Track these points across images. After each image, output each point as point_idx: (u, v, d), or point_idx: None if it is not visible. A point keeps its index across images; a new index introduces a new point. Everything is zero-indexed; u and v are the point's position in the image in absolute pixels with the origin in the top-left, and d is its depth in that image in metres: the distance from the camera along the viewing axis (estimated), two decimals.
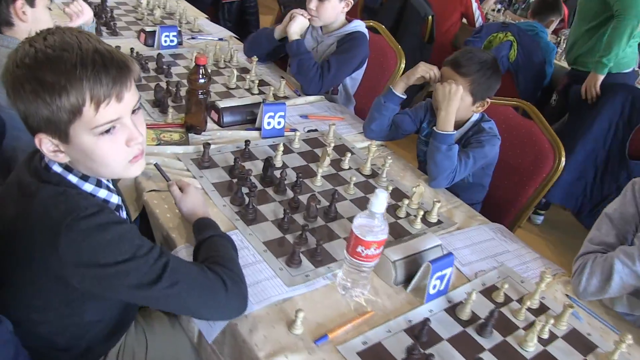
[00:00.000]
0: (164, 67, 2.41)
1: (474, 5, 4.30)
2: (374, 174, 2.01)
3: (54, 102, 0.98)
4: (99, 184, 1.16)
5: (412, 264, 1.47)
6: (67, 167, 1.11)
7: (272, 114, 2.09)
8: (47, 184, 1.08)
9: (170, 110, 2.05)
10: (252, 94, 2.40)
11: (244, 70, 2.61)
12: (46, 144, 1.05)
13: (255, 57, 2.55)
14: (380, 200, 1.27)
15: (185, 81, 2.17)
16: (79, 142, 1.04)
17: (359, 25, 2.61)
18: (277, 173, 1.80)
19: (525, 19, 4.80)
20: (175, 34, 2.65)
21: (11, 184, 1.15)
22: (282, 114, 2.11)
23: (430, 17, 4.05)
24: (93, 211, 1.04)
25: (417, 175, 2.08)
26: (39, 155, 1.13)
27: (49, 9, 1.94)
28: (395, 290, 1.47)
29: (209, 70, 2.03)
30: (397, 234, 1.70)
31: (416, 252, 1.49)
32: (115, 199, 1.21)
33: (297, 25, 2.52)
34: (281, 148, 1.91)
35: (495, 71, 2.03)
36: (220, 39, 2.91)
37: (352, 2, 2.55)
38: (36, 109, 0.99)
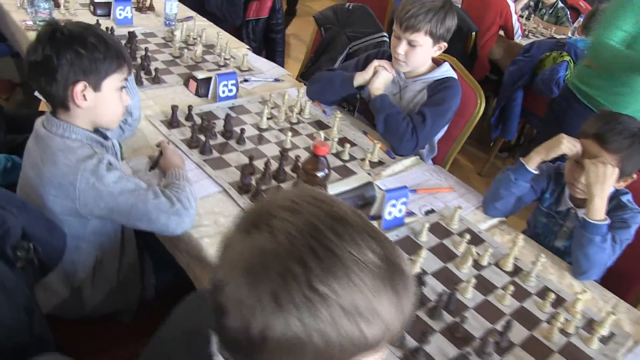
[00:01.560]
0: (233, 129, 1.98)
1: (514, 17, 3.95)
2: (517, 270, 1.65)
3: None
4: None
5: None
6: None
7: (394, 201, 1.69)
8: None
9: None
10: (342, 160, 1.99)
11: (320, 125, 2.19)
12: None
13: (338, 112, 2.13)
14: None
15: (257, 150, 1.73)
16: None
17: (449, 69, 2.22)
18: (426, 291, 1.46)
19: (553, 25, 4.50)
20: (234, 82, 2.20)
21: None
22: (405, 200, 1.72)
23: (473, 33, 3.69)
24: None
25: (563, 266, 1.76)
26: None
27: (122, 87, 1.50)
28: None
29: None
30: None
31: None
32: None
33: (381, 80, 2.17)
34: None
35: None
36: (276, 80, 2.47)
37: (446, 45, 2.15)
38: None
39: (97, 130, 1.54)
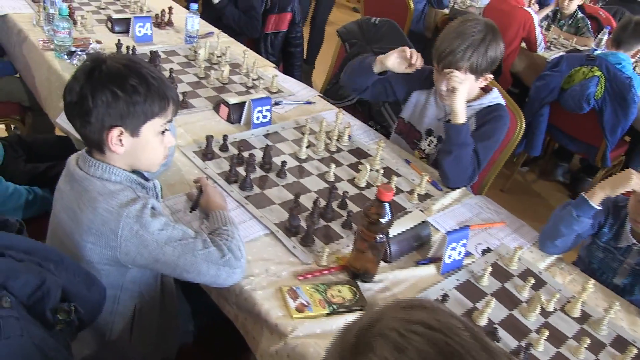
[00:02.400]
0: (272, 161, 1.86)
1: (537, 29, 3.84)
2: (585, 316, 1.54)
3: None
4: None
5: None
6: None
7: (454, 244, 1.57)
8: None
9: (317, 243, 1.55)
10: None
11: (361, 153, 2.07)
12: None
13: (381, 142, 2.01)
14: None
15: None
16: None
17: (498, 96, 2.10)
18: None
19: (573, 36, 4.40)
20: (268, 107, 2.07)
21: None
22: (465, 241, 1.60)
23: None
24: None
25: (632, 310, 1.64)
26: None
27: (165, 131, 1.37)
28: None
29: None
30: None
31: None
32: None
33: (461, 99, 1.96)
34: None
35: None
36: (309, 102, 2.34)
37: (492, 76, 2.03)
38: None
39: (136, 171, 1.41)
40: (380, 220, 1.38)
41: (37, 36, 2.47)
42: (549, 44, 4.17)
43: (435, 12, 4.47)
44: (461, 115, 1.91)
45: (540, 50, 3.95)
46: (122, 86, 1.26)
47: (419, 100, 2.20)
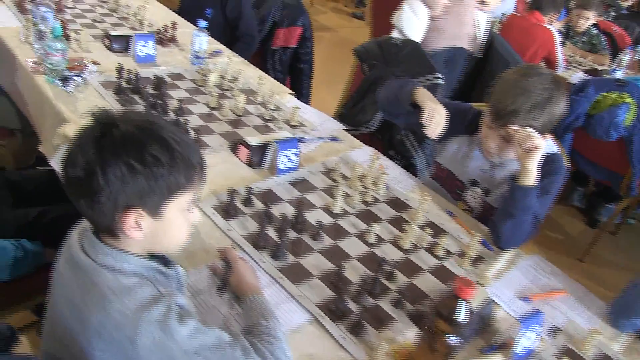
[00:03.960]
0: (306, 220, 1.61)
1: (559, 48, 3.62)
2: None
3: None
4: None
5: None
6: None
7: (530, 335, 1.34)
8: None
9: (369, 329, 1.31)
10: (437, 257, 1.63)
11: (399, 204, 1.82)
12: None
13: (427, 196, 1.77)
14: None
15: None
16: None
17: (553, 144, 1.87)
18: None
19: (589, 53, 4.21)
20: (295, 151, 1.81)
21: None
22: (539, 328, 1.36)
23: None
24: None
25: None
26: None
27: (191, 209, 1.10)
28: None
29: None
30: None
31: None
32: None
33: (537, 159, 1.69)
34: None
35: None
36: (334, 139, 2.09)
37: (552, 136, 1.81)
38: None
39: (155, 255, 1.14)
40: (459, 318, 1.14)
41: (25, 55, 2.17)
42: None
43: None
44: (533, 176, 1.67)
45: (560, 70, 3.73)
46: (140, 157, 0.99)
47: (460, 148, 1.97)
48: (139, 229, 1.04)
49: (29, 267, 1.69)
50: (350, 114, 2.79)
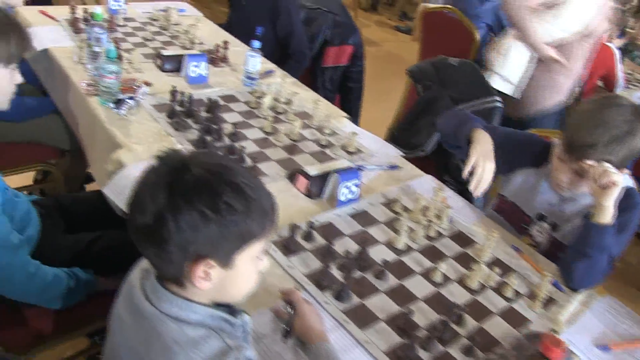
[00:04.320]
0: (370, 257, 1.53)
1: (619, 66, 3.47)
2: None
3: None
4: None
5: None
6: None
7: None
8: None
9: None
10: (505, 297, 1.53)
11: (463, 239, 1.73)
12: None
13: (494, 232, 1.67)
14: None
15: None
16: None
17: (629, 179, 1.75)
18: None
19: None
20: (357, 182, 1.73)
21: None
22: None
23: (578, 89, 3.21)
24: None
25: None
26: None
27: (261, 257, 1.05)
28: None
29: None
30: None
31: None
32: None
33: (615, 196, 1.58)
34: None
35: None
36: (393, 167, 2.00)
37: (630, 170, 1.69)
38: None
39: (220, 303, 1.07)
40: None
41: (79, 76, 2.15)
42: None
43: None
44: (609, 214, 1.56)
45: (619, 89, 3.58)
46: (214, 204, 0.92)
47: (527, 181, 1.86)
48: (208, 280, 0.97)
49: (81, 295, 1.65)
50: (403, 137, 2.71)
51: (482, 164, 1.72)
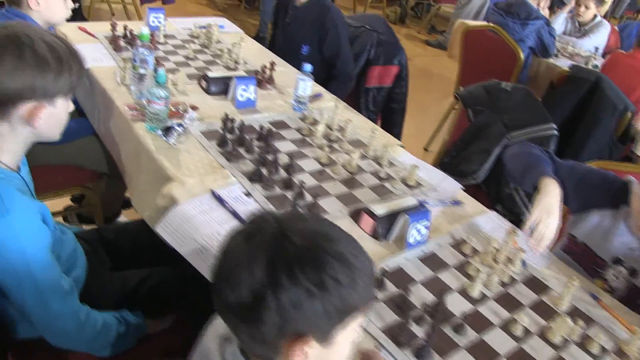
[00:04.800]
0: (447, 308, 1.39)
1: None
2: None
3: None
4: None
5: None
6: None
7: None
8: None
9: None
10: (591, 354, 1.41)
11: (537, 285, 1.63)
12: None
13: (574, 279, 1.55)
14: None
15: None
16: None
17: None
18: None
19: None
20: (427, 223, 1.61)
21: None
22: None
23: (629, 112, 3.08)
24: None
25: None
26: None
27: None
28: None
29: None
30: None
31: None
32: None
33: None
34: None
35: None
36: (456, 202, 1.89)
37: None
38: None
39: None
40: None
41: (123, 99, 2.05)
42: None
43: (539, 61, 3.99)
44: None
45: None
46: (319, 279, 0.82)
47: (602, 222, 1.74)
48: (305, 358, 0.86)
49: (131, 341, 1.54)
50: (452, 164, 2.59)
51: (545, 220, 1.60)
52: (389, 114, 3.17)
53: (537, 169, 1.72)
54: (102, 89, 2.13)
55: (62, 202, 2.56)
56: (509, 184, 2.48)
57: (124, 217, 2.72)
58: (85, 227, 2.57)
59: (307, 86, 2.17)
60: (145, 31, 2.03)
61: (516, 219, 2.50)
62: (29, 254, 1.23)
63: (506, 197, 2.50)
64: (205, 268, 1.44)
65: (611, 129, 3.17)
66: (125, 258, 1.78)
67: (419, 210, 1.61)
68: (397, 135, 3.21)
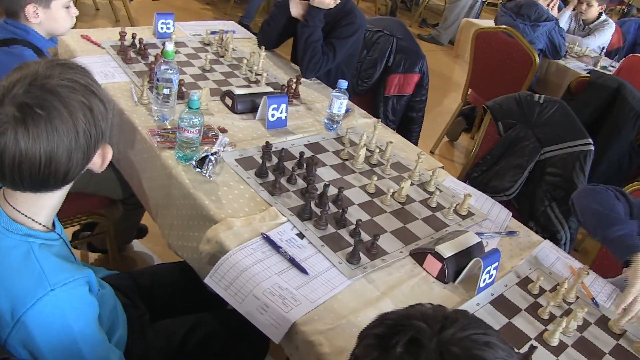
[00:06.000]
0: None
1: None
2: None
3: None
4: None
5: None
6: None
7: None
8: None
9: None
10: None
11: (602, 324, 1.51)
12: None
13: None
14: None
15: None
16: None
17: None
18: None
19: None
20: (497, 264, 1.50)
21: None
22: None
23: None
24: None
25: None
26: None
27: None
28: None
29: None
30: None
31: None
32: None
33: None
34: None
35: None
36: (511, 233, 1.78)
37: None
38: None
39: None
40: None
41: (144, 123, 1.87)
42: None
43: (549, 63, 3.90)
44: None
45: None
46: None
47: None
48: None
49: None
50: (482, 179, 2.48)
51: None
52: (406, 123, 3.04)
53: (628, 241, 1.57)
54: (118, 109, 1.95)
55: (70, 229, 2.37)
56: (544, 200, 2.38)
57: (138, 246, 2.56)
58: (99, 256, 2.39)
59: (343, 104, 2.03)
60: (170, 48, 1.84)
61: (550, 236, 2.41)
62: (75, 330, 1.07)
63: (540, 214, 2.40)
64: (270, 329, 1.29)
65: (632, 136, 3.10)
66: (163, 304, 1.63)
67: (491, 253, 1.49)
68: (415, 142, 3.09)
